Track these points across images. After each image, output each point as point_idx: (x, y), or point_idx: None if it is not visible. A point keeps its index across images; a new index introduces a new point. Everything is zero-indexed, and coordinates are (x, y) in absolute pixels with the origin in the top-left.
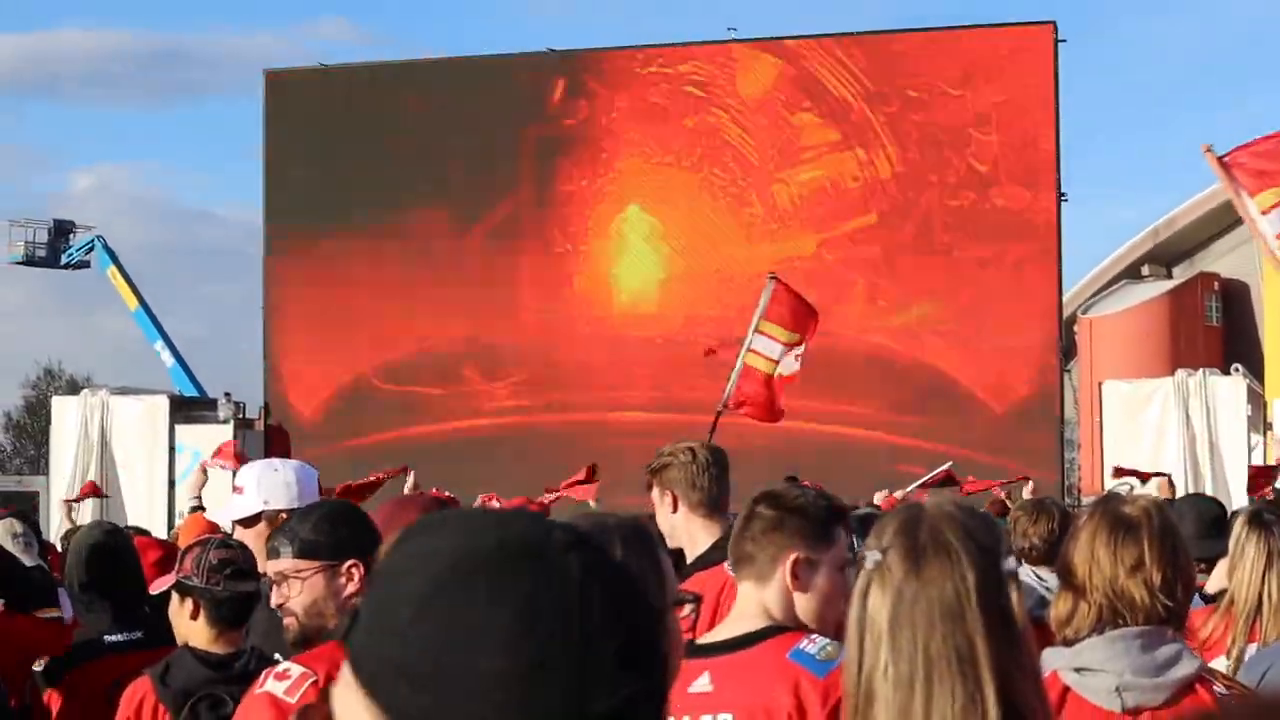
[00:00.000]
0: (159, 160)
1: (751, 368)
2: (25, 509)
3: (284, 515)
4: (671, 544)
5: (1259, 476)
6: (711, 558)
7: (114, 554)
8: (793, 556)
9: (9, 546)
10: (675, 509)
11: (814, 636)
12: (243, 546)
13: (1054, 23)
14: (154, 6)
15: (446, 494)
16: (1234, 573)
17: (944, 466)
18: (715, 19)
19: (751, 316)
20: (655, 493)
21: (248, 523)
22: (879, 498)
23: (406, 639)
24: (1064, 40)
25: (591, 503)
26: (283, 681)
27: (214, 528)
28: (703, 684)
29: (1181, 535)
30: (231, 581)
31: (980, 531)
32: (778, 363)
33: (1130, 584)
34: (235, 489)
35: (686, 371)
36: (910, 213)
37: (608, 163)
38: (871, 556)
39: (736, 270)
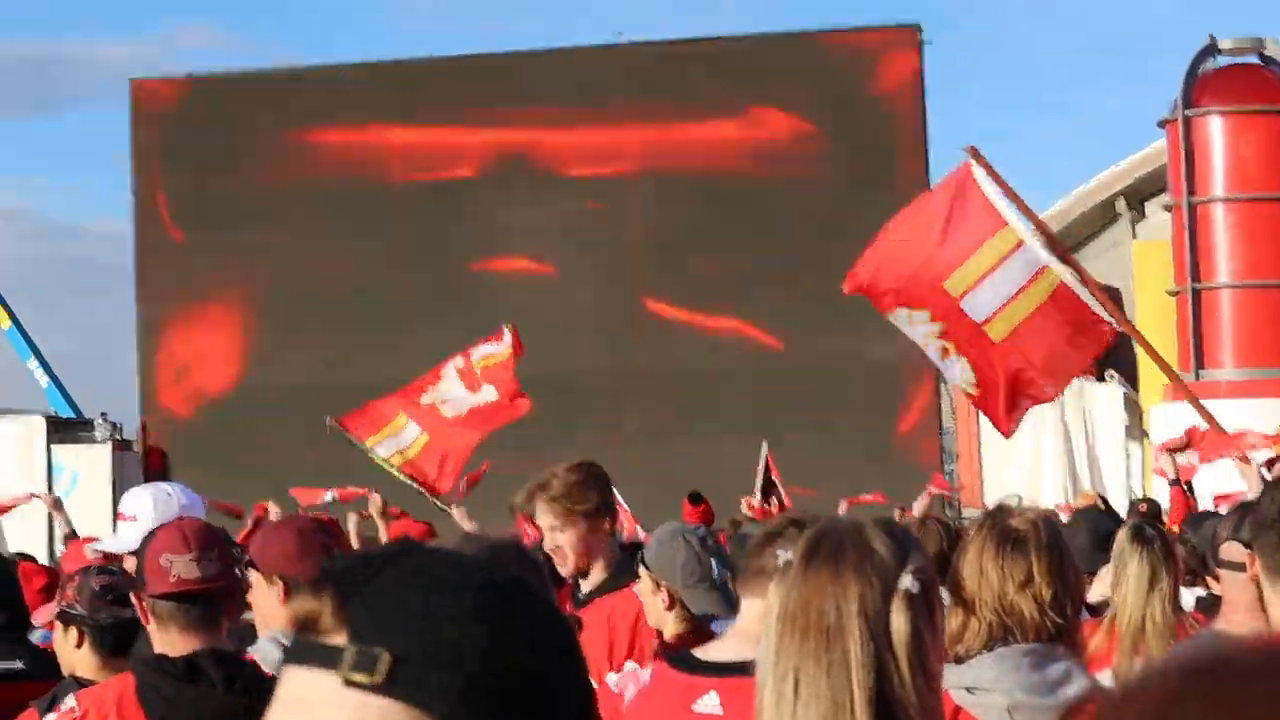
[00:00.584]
0: (23, 173)
1: None
2: None
3: None
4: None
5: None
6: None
7: None
8: None
9: None
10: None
11: None
12: (124, 572)
13: (919, 24)
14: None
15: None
16: (1117, 589)
17: None
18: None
19: None
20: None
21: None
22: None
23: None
24: (929, 42)
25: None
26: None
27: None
28: (710, 703)
29: (1069, 550)
30: (115, 608)
31: (885, 547)
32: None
33: (1019, 599)
34: (122, 516)
35: None
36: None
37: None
38: (784, 556)
39: None
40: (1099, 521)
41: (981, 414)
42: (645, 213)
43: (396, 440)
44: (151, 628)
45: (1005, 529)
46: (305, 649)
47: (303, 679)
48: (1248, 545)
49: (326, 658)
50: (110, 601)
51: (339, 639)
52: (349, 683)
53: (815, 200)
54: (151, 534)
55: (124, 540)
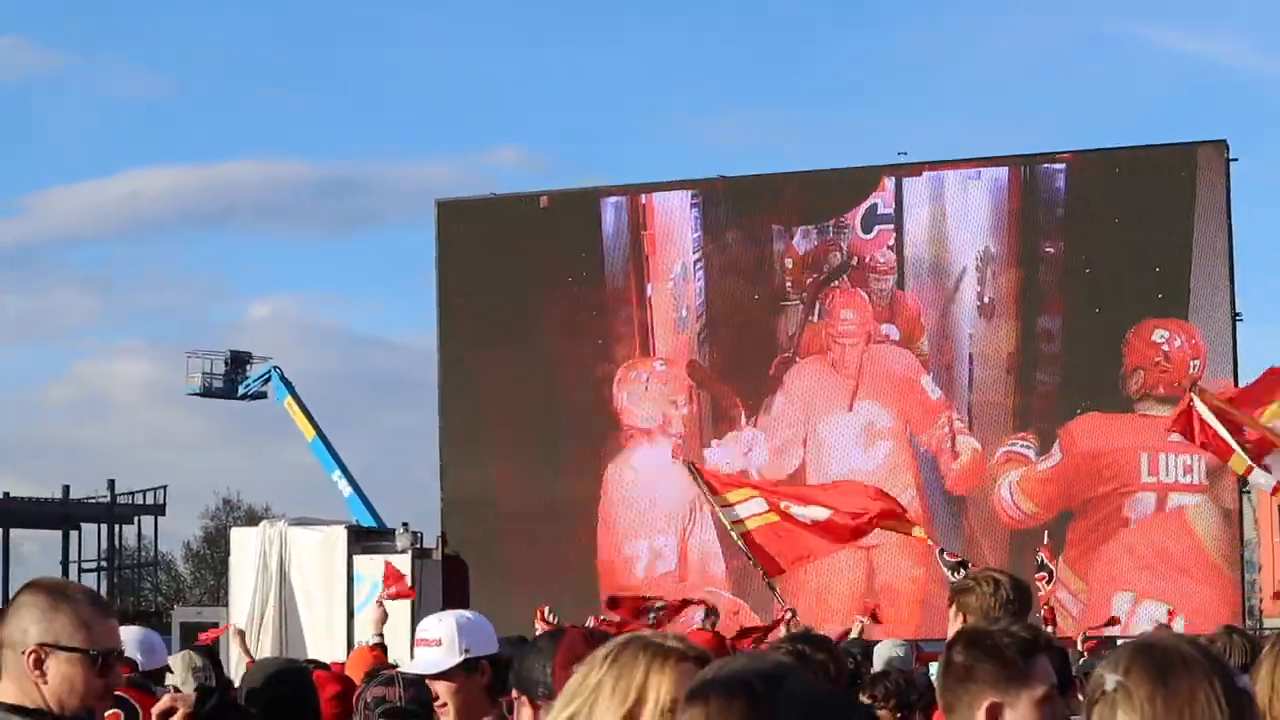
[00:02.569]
0: (333, 289)
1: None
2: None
3: (483, 663)
4: None
5: None
6: None
7: (294, 686)
8: (986, 703)
9: (188, 680)
10: None
11: None
12: (409, 683)
13: (1225, 141)
14: (326, 137)
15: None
16: None
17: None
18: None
19: None
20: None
21: (448, 675)
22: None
23: None
24: (1235, 159)
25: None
26: None
27: (380, 659)
28: None
29: None
30: (384, 719)
31: (1210, 650)
32: None
33: None
34: (424, 642)
35: None
36: None
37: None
38: (1111, 679)
39: None
40: None
41: None
42: None
43: (744, 507)
44: None
45: None
46: None
47: None
48: None
49: None
50: (381, 714)
51: None
52: None
53: None
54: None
55: (425, 664)
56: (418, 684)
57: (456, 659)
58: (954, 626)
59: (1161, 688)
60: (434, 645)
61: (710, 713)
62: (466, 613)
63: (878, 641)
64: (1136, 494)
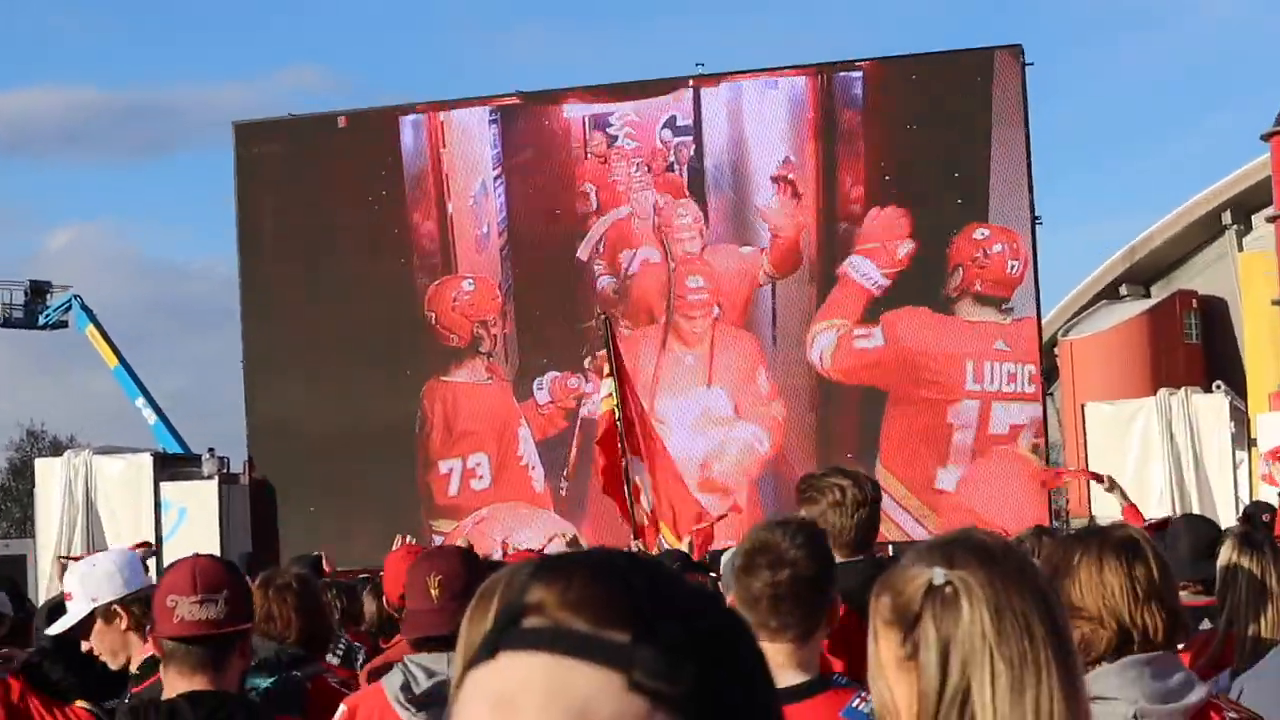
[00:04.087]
0: (133, 217)
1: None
2: (11, 573)
3: (116, 607)
4: None
5: None
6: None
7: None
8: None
9: None
10: None
11: (865, 694)
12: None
13: (1020, 45)
14: (121, 62)
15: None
16: (1229, 595)
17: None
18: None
19: None
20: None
21: (85, 629)
22: None
23: None
24: (1031, 63)
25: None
26: None
27: None
28: None
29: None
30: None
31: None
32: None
33: (1141, 610)
34: (65, 597)
35: None
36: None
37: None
38: (936, 574)
39: None
40: (1200, 530)
41: (1085, 422)
42: None
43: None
44: (162, 666)
45: (1120, 540)
46: (570, 638)
47: (547, 671)
48: None
49: (610, 654)
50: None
51: (618, 636)
52: (639, 687)
53: None
54: (165, 571)
55: (64, 624)
56: None
57: (85, 610)
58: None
59: (991, 578)
60: (69, 600)
61: (568, 597)
62: (95, 558)
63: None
64: (960, 401)
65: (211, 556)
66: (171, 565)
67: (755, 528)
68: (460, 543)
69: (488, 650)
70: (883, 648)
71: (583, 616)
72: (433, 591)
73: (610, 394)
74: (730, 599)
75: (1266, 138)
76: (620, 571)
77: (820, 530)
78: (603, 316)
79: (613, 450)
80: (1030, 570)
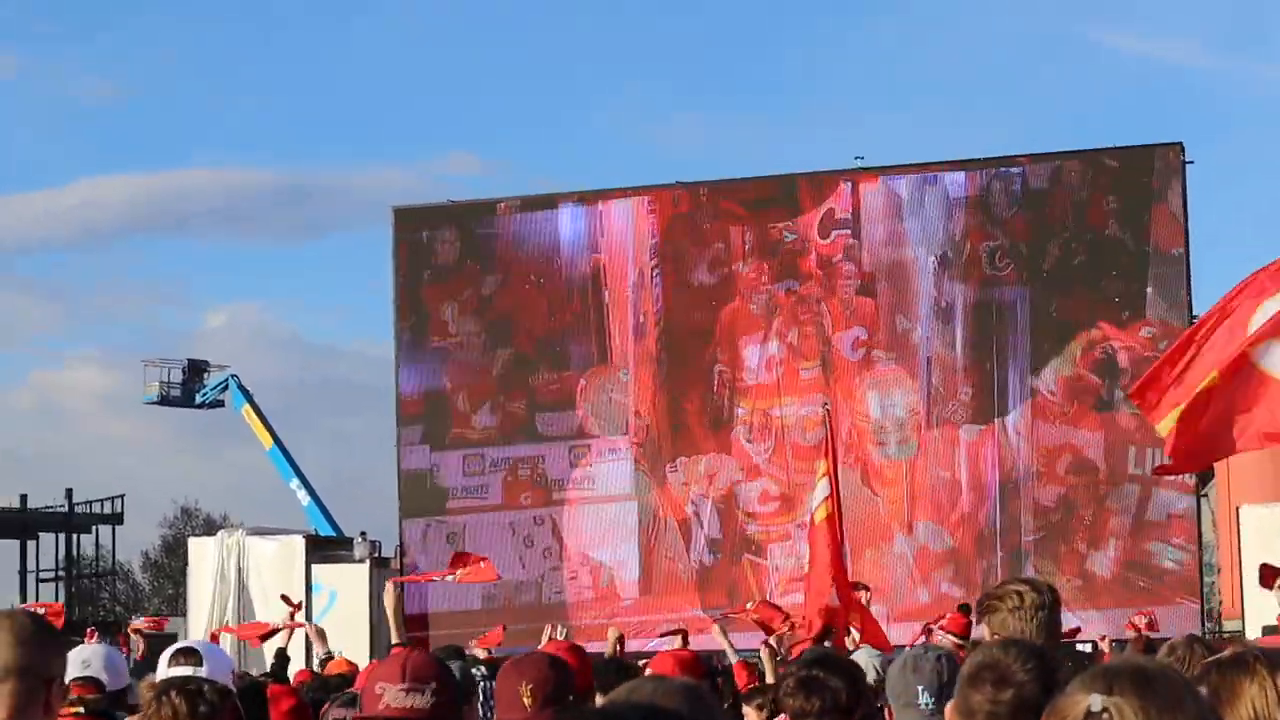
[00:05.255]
0: (290, 297)
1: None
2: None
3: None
4: None
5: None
6: None
7: (246, 701)
8: None
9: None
10: None
11: None
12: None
13: (1180, 144)
14: (283, 143)
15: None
16: None
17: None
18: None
19: None
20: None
21: None
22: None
23: None
24: (1191, 161)
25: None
26: None
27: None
28: None
29: None
30: None
31: (1174, 669)
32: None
33: None
34: None
35: None
36: None
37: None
38: (1096, 700)
39: None
40: None
41: (1240, 524)
42: None
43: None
44: None
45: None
46: None
47: None
48: None
49: None
50: None
51: None
52: None
53: None
54: (378, 661)
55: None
56: None
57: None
58: None
59: (1148, 705)
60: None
61: None
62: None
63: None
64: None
65: (426, 651)
66: (390, 655)
67: (985, 645)
68: (611, 635)
69: None
70: None
71: None
72: (525, 700)
73: (828, 496)
74: (949, 709)
75: None
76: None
77: (1054, 657)
78: (826, 404)
79: (838, 556)
80: (1189, 698)
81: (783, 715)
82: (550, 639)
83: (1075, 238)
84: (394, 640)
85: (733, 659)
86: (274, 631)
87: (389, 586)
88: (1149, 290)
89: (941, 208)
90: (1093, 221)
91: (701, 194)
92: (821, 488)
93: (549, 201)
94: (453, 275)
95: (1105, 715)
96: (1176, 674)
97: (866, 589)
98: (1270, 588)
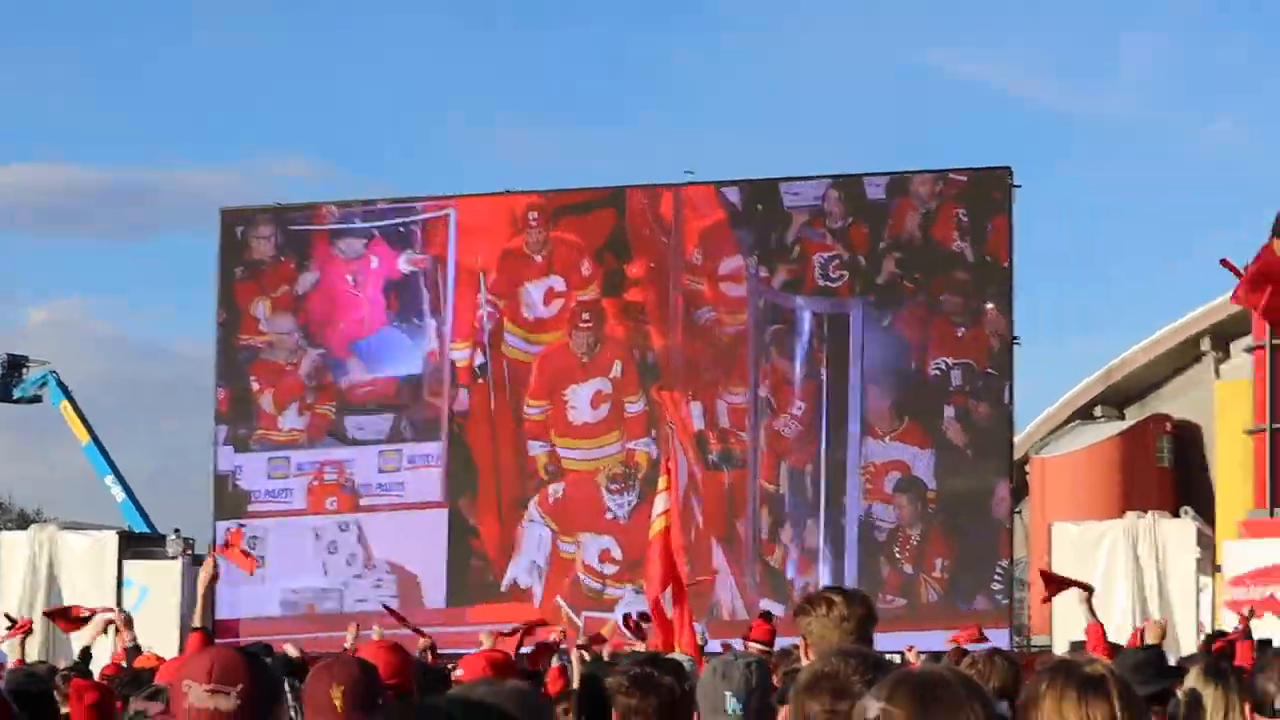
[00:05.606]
0: (115, 295)
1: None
2: None
3: None
4: None
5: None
6: None
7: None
8: None
9: None
10: None
11: None
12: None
13: (1009, 168)
14: (110, 143)
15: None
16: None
17: None
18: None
19: None
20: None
21: None
22: None
23: None
24: (1019, 185)
25: None
26: None
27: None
28: None
29: (1139, 697)
30: None
31: (969, 678)
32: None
33: None
34: None
35: None
36: None
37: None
38: (874, 706)
39: None
40: (1136, 656)
41: (1052, 542)
42: None
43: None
44: None
45: (1082, 675)
46: None
47: None
48: None
49: None
50: None
51: None
52: None
53: None
54: (190, 657)
55: None
56: None
57: None
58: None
59: (921, 714)
60: None
61: None
62: None
63: None
64: None
65: (236, 649)
66: (196, 653)
67: (827, 654)
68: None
69: None
70: None
71: None
72: (336, 703)
73: (665, 511)
74: (783, 715)
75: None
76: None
77: (892, 668)
78: (670, 424)
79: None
80: (970, 706)
81: None
82: (357, 638)
83: (909, 253)
84: (196, 623)
85: (555, 662)
86: (89, 617)
87: (208, 560)
88: (988, 306)
89: (775, 218)
90: (929, 238)
91: (532, 204)
92: (660, 502)
93: (373, 207)
94: (266, 271)
95: (883, 718)
96: (964, 683)
97: (711, 575)
98: (1049, 598)
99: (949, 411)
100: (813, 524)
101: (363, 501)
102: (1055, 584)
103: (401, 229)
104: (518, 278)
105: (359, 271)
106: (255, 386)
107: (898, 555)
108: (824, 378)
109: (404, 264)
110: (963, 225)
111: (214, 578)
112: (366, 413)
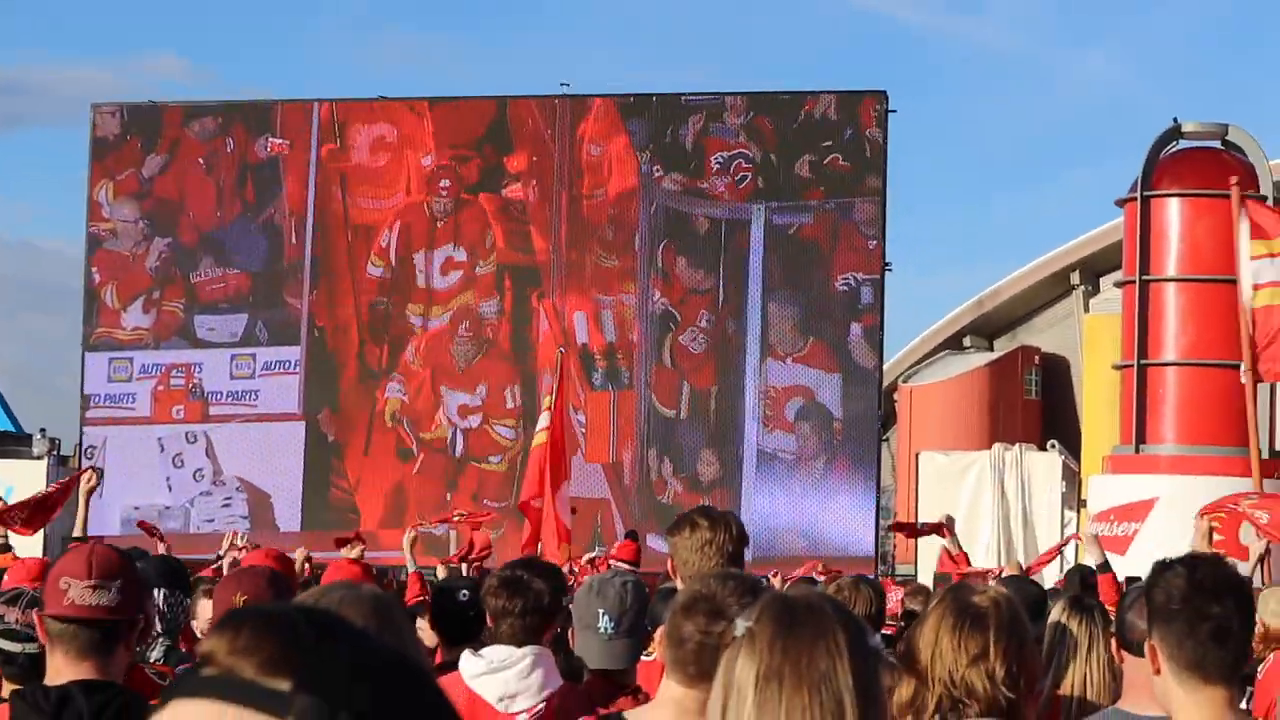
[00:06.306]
0: None
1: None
2: None
3: None
4: None
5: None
6: None
7: None
8: None
9: None
10: None
11: None
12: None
13: (884, 92)
14: None
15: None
16: (1054, 659)
17: None
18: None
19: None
20: None
21: None
22: None
23: None
24: (894, 110)
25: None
26: None
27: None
28: None
29: (1029, 629)
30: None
31: (840, 604)
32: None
33: (971, 674)
34: None
35: None
36: None
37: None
38: (742, 625)
39: None
40: (1025, 591)
41: (918, 471)
42: None
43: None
44: (47, 649)
45: (965, 604)
46: (235, 686)
47: (210, 717)
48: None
49: (269, 701)
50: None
51: (280, 684)
52: None
53: None
54: (61, 554)
55: None
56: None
57: None
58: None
59: (782, 635)
60: None
61: (236, 646)
62: None
63: None
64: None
65: (110, 546)
66: (69, 549)
67: (705, 576)
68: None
69: (163, 698)
70: None
71: (249, 665)
72: None
73: (546, 427)
74: (658, 633)
75: (1121, 203)
76: (289, 622)
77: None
78: (561, 349)
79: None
80: (832, 628)
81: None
82: (231, 545)
83: (805, 162)
84: (75, 533)
85: (411, 569)
86: None
87: (89, 473)
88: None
89: (669, 121)
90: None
91: (409, 107)
92: (543, 419)
93: (253, 108)
94: (111, 153)
95: (747, 637)
96: (831, 607)
97: (573, 511)
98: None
99: (856, 330)
100: (709, 454)
101: (212, 410)
102: (909, 532)
103: (262, 114)
104: (390, 172)
105: (213, 154)
106: (96, 279)
107: (796, 484)
108: (722, 288)
109: (262, 149)
110: (843, 147)
111: (92, 489)
112: (218, 312)
